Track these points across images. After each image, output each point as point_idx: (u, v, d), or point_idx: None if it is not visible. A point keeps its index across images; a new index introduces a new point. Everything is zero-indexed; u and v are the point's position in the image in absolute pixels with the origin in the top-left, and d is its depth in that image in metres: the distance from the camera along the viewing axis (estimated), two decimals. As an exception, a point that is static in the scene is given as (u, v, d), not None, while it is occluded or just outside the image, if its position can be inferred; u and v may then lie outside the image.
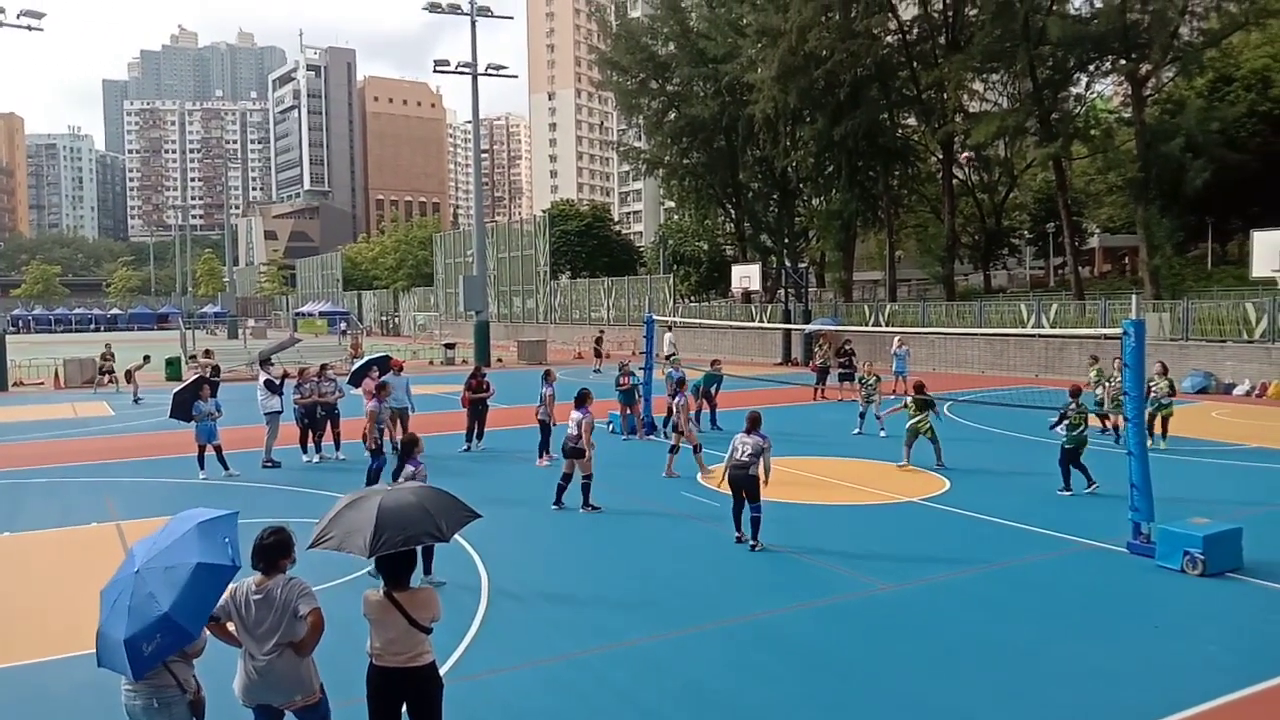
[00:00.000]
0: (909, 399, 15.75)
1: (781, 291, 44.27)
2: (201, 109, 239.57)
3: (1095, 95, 47.84)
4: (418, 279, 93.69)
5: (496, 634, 8.14)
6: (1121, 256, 63.44)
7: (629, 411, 19.09)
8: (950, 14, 42.68)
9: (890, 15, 43.41)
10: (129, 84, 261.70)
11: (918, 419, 15.19)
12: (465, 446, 17.61)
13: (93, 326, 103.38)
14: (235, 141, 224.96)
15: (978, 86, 47.37)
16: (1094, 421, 16.04)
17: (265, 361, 19.01)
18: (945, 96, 44.89)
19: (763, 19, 44.69)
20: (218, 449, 15.22)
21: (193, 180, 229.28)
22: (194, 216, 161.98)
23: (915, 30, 44.31)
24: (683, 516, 12.36)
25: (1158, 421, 16.59)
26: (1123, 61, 37.65)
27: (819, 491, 13.92)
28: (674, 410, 15.62)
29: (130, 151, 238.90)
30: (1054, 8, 37.75)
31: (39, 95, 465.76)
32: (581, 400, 12.71)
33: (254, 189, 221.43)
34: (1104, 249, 65.26)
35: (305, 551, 5.29)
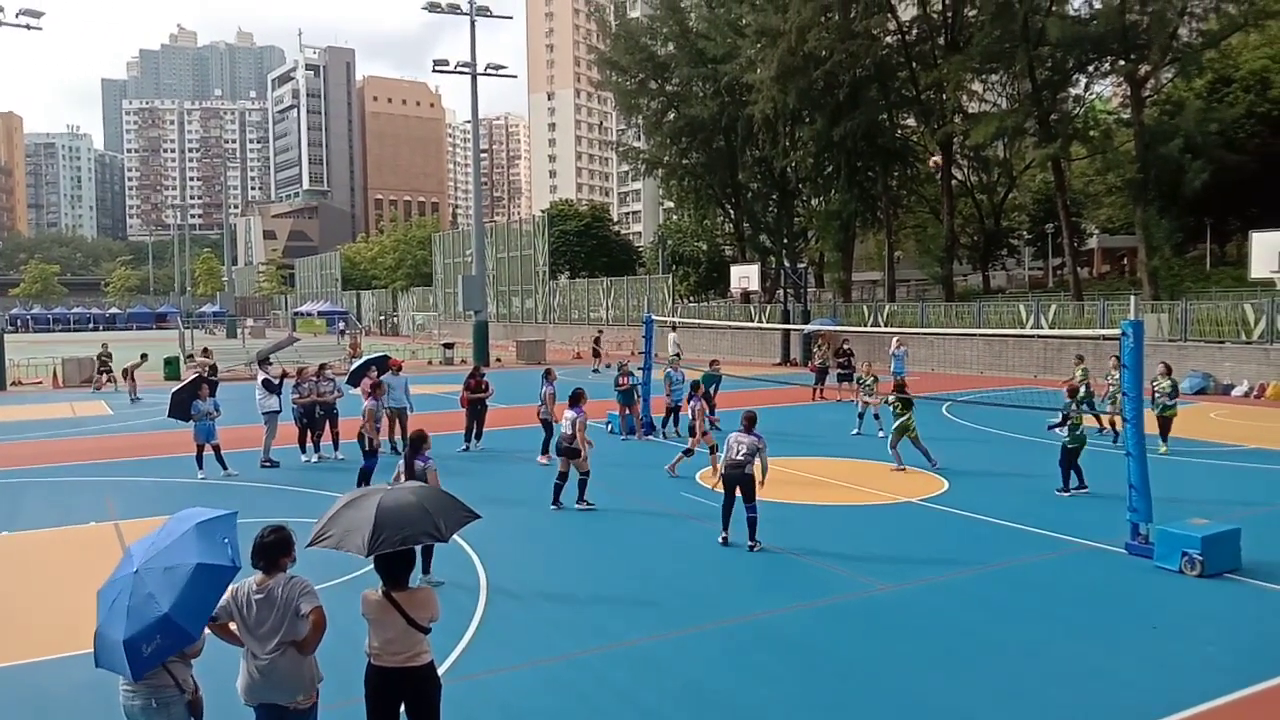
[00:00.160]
0: (891, 397, 15.78)
1: (780, 292, 44.29)
2: (200, 108, 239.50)
3: (1094, 96, 48.01)
4: (416, 279, 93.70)
5: (495, 634, 8.14)
6: (1120, 257, 63.50)
7: (628, 412, 19.10)
8: (949, 15, 42.73)
9: (889, 16, 43.45)
10: (128, 83, 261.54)
11: (905, 417, 15.20)
12: (464, 446, 17.61)
13: (91, 326, 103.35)
14: (234, 141, 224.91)
15: (977, 87, 47.46)
16: (1089, 420, 16.03)
17: (264, 361, 19.00)
18: (944, 97, 44.96)
19: (762, 19, 44.72)
20: (216, 448, 15.22)
21: (191, 180, 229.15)
22: (193, 216, 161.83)
23: (914, 31, 44.36)
24: (682, 516, 12.36)
25: (1162, 423, 16.47)
26: (1122, 62, 37.69)
27: (818, 492, 13.92)
28: (691, 414, 15.64)
29: (129, 151, 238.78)
30: (1053, 8, 37.80)
31: (38, 94, 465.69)
32: (576, 399, 12.72)
33: (253, 188, 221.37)
34: (1103, 250, 65.33)
35: (304, 550, 5.29)
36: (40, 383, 33.83)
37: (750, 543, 10.61)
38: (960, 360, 33.90)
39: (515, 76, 44.41)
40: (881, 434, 18.62)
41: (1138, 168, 36.81)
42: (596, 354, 36.95)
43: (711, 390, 20.27)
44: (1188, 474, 14.88)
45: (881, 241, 51.83)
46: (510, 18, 44.31)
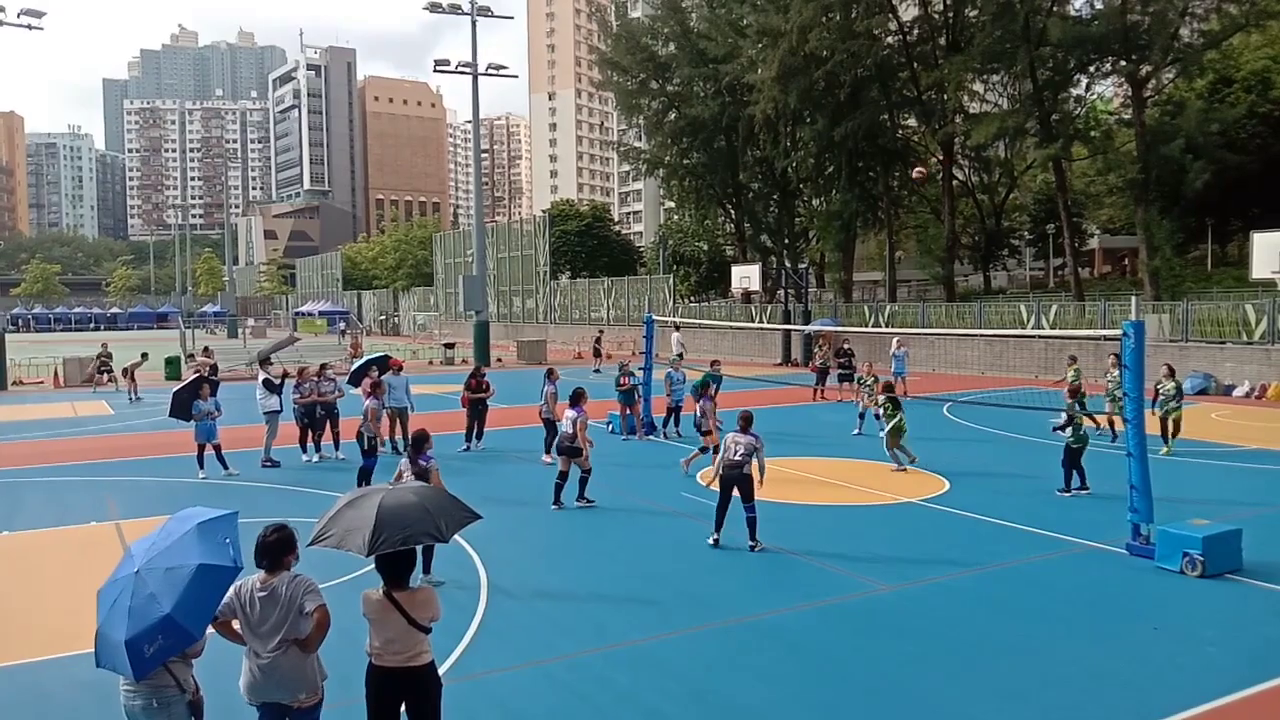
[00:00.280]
0: (881, 398, 15.84)
1: (781, 292, 44.28)
2: (201, 108, 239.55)
3: (1095, 96, 47.96)
4: (417, 279, 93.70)
5: (496, 634, 8.14)
6: (1121, 258, 63.43)
7: (629, 412, 19.10)
8: (950, 15, 42.72)
9: (890, 16, 43.43)
10: (129, 83, 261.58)
11: (897, 418, 15.25)
12: (465, 446, 17.61)
13: (92, 326, 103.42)
14: (235, 141, 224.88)
15: (978, 87, 47.42)
16: (1085, 420, 16.01)
17: (265, 361, 19.00)
18: (945, 97, 44.93)
19: (763, 19, 44.73)
20: (217, 448, 15.23)
21: (193, 179, 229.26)
22: (194, 216, 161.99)
23: (915, 31, 44.33)
24: (683, 516, 12.35)
25: (1169, 424, 16.41)
26: (1123, 63, 37.68)
27: (819, 492, 13.92)
28: (700, 412, 15.68)
29: (130, 151, 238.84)
30: (1054, 9, 37.80)
31: (39, 94, 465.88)
32: (577, 399, 12.73)
33: (254, 188, 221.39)
34: (1104, 250, 65.30)
35: (305, 549, 5.29)
36: (41, 382, 33.85)
37: (751, 543, 10.60)
38: (961, 361, 33.89)
39: (516, 77, 44.44)
40: (883, 434, 18.61)
41: (1139, 168, 36.80)
42: (597, 354, 36.95)
43: (708, 390, 20.29)
44: (1189, 474, 14.88)
45: (882, 242, 51.83)
46: (511, 18, 44.36)
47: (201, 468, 15.17)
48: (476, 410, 17.83)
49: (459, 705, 6.22)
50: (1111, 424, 17.02)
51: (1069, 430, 13.12)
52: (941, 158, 45.64)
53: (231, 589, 4.93)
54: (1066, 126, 39.53)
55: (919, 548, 10.82)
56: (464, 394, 18.02)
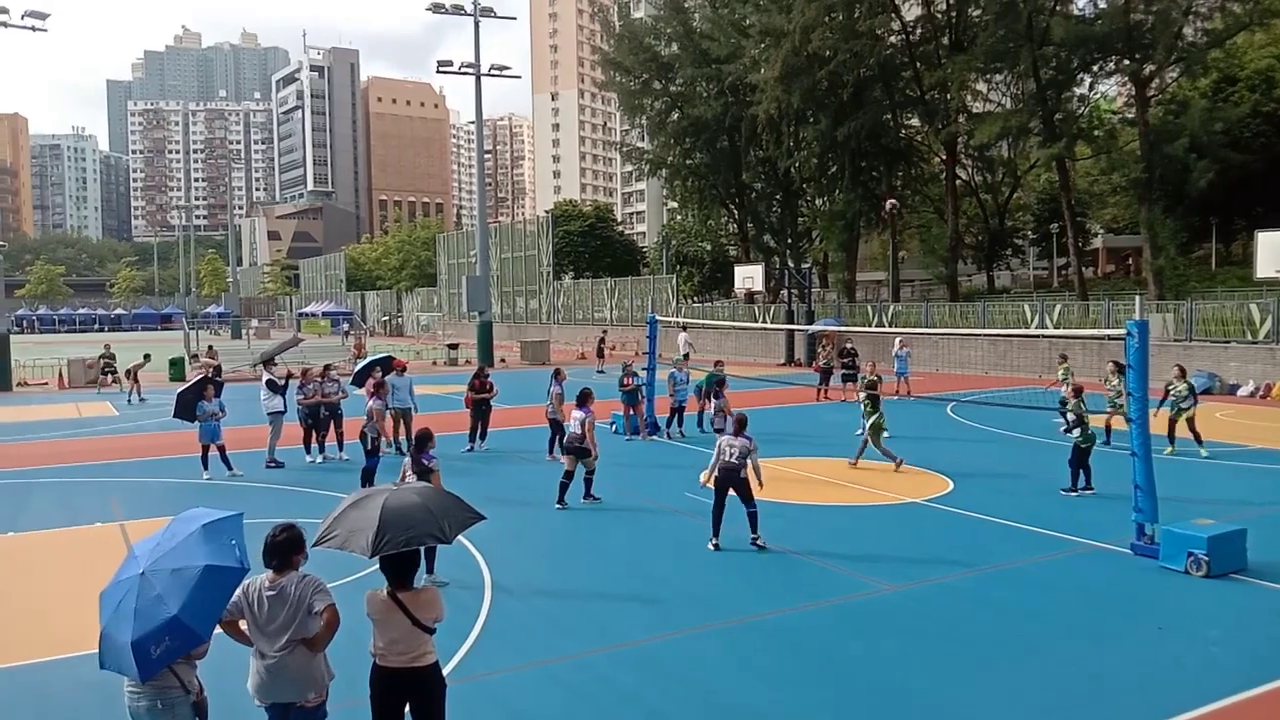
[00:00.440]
0: (862, 395, 15.92)
1: (785, 292, 44.27)
2: (205, 109, 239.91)
3: (1099, 96, 47.88)
4: (421, 279, 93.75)
5: (499, 634, 8.14)
6: (1125, 257, 63.35)
7: (632, 412, 19.11)
8: (953, 14, 42.68)
9: (893, 16, 43.40)
10: (133, 84, 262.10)
11: (875, 416, 15.33)
12: (468, 447, 17.62)
13: (97, 327, 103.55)
14: (239, 142, 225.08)
15: (981, 87, 47.39)
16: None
17: (268, 362, 19.03)
18: (948, 97, 44.88)
19: (766, 19, 44.73)
20: (221, 449, 15.25)
21: (196, 181, 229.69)
22: (197, 217, 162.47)
23: (918, 31, 44.31)
24: (686, 516, 12.35)
25: (1180, 425, 16.30)
26: (1126, 62, 37.61)
27: (822, 492, 13.91)
28: (713, 411, 15.74)
29: (134, 152, 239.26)
30: (1057, 8, 37.75)
31: (43, 96, 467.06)
32: (584, 399, 12.76)
33: (257, 189, 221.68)
34: (1107, 249, 65.19)
35: (309, 550, 5.29)
36: (46, 384, 33.92)
37: (753, 535, 10.63)
38: (965, 360, 33.85)
39: (519, 77, 44.47)
40: (887, 434, 18.60)
41: (1142, 167, 36.72)
42: (600, 354, 36.95)
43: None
44: (1193, 474, 14.84)
45: (885, 241, 51.79)
46: (514, 18, 44.39)
47: (206, 469, 15.19)
48: (480, 411, 17.84)
49: (463, 706, 6.22)
50: (1107, 427, 16.97)
51: (1077, 431, 13.10)
52: (945, 157, 45.60)
53: (239, 589, 4.94)
54: (1070, 126, 39.48)
55: (923, 548, 10.80)
56: (467, 394, 18.03)
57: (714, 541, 10.70)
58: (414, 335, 69.24)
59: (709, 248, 68.55)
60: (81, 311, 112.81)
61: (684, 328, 33.90)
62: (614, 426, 19.40)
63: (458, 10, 37.92)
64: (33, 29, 31.95)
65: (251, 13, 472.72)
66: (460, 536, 5.87)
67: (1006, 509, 12.43)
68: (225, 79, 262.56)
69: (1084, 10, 39.88)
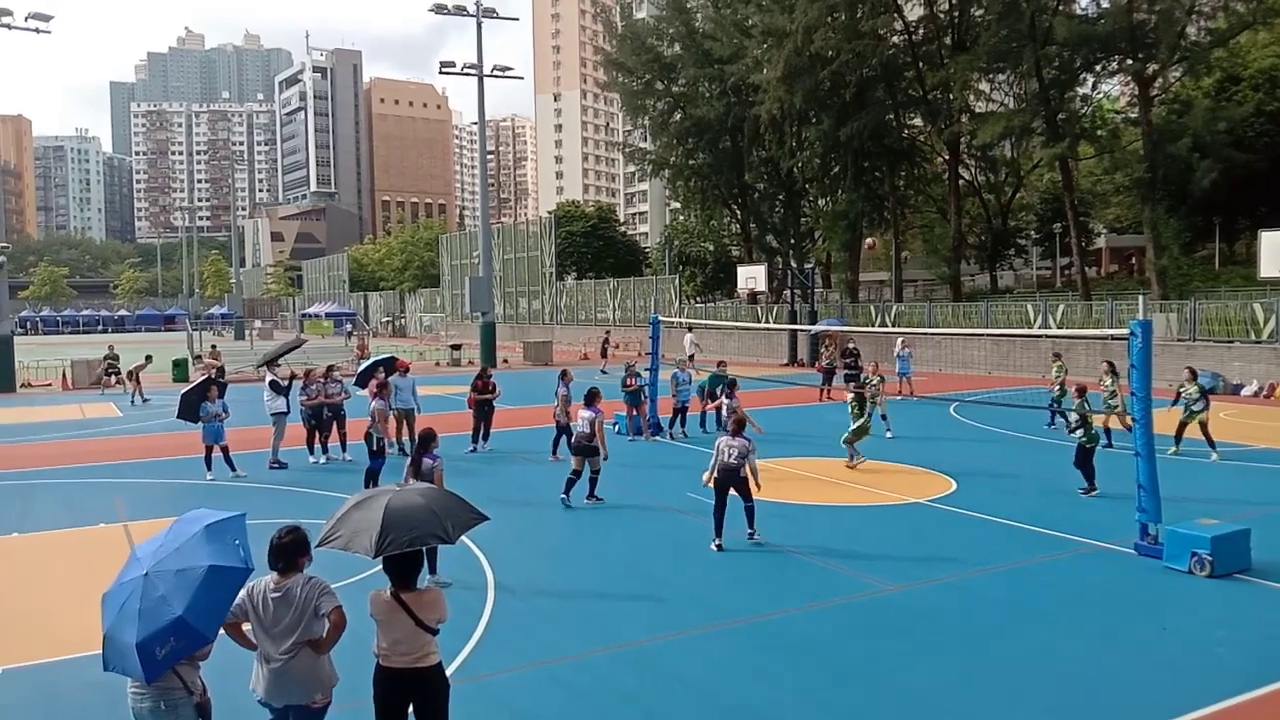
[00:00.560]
0: (850, 396, 16.01)
1: (787, 292, 44.26)
2: (208, 111, 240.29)
3: (1102, 95, 47.74)
4: (424, 280, 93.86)
5: (502, 635, 8.15)
6: (1128, 257, 63.25)
7: (635, 412, 19.12)
8: (956, 14, 42.61)
9: (896, 16, 43.34)
10: (136, 86, 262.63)
11: (863, 419, 15.53)
12: (471, 447, 17.63)
13: (100, 328, 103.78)
14: (242, 143, 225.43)
15: (984, 87, 47.26)
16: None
17: (271, 363, 19.05)
18: (951, 97, 44.82)
19: (768, 20, 44.69)
20: (225, 450, 15.27)
21: (199, 182, 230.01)
22: (201, 218, 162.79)
23: (921, 31, 44.26)
24: (688, 516, 12.35)
25: (1192, 427, 16.15)
26: (1129, 61, 37.53)
27: (825, 492, 13.91)
28: (725, 410, 15.78)
29: (137, 153, 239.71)
30: (1060, 8, 37.70)
31: (46, 97, 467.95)
32: (592, 399, 12.80)
33: (260, 190, 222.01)
34: (1110, 249, 65.08)
35: (313, 551, 5.30)
36: (50, 385, 33.98)
37: (749, 529, 10.69)
38: (968, 360, 33.82)
39: (522, 78, 44.52)
40: (890, 435, 18.63)
41: (1146, 167, 36.65)
42: (604, 355, 36.97)
43: (719, 391, 20.27)
44: (1197, 474, 14.81)
45: (888, 242, 51.77)
46: (516, 19, 44.45)
47: (209, 469, 15.22)
48: (483, 411, 17.85)
49: (466, 706, 6.23)
50: (1107, 428, 16.92)
51: (1081, 430, 13.09)
52: (947, 157, 45.56)
53: (243, 590, 4.93)
54: (1073, 125, 39.39)
55: (925, 548, 10.80)
56: (470, 395, 18.05)
57: (717, 542, 10.70)
58: (417, 336, 69.31)
59: (712, 248, 68.54)
60: (85, 313, 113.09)
61: (690, 328, 33.91)
62: (616, 427, 19.40)
63: (460, 11, 37.97)
64: (36, 31, 32.02)
65: (254, 14, 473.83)
66: (463, 537, 5.87)
67: (1009, 509, 12.42)
68: (228, 80, 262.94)
69: (1087, 10, 39.81)
